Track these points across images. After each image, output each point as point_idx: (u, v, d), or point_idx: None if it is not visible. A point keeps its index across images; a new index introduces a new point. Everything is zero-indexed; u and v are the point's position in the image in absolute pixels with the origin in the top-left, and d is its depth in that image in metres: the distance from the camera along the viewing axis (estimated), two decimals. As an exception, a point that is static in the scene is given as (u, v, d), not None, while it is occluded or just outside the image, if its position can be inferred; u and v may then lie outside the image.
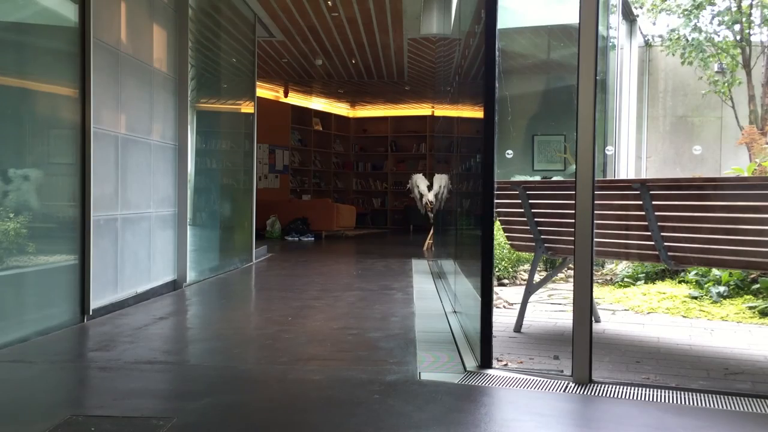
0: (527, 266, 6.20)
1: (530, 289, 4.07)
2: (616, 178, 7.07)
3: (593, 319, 2.90)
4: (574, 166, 2.89)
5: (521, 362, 3.24)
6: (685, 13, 9.23)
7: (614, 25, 7.51)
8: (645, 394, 2.68)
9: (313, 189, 14.82)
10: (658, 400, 2.62)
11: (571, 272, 3.37)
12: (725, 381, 2.97)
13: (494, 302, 3.38)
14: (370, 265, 7.55)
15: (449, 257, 5.69)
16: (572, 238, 2.91)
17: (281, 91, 13.26)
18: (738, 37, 9.25)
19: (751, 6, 9.13)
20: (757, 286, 4.69)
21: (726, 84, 9.45)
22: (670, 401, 2.60)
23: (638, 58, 7.93)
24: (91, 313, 4.11)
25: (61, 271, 3.94)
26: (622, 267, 5.95)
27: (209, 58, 6.45)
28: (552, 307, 4.80)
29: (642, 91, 7.90)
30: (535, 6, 7.91)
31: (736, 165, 6.87)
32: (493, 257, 3.07)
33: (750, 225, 3.03)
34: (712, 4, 9.18)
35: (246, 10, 7.44)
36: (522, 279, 6.04)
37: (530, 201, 3.98)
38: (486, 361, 3.03)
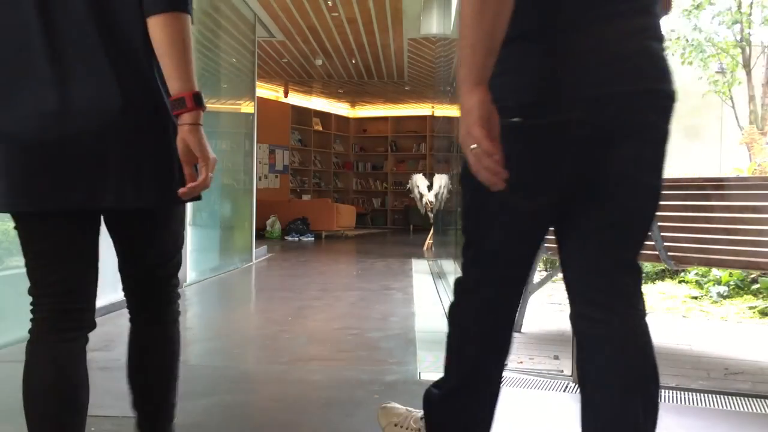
0: (527, 266, 6.18)
1: (530, 289, 4.07)
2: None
3: (593, 319, 2.90)
4: (574, 166, 2.88)
5: (521, 362, 3.23)
6: (685, 13, 9.23)
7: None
8: (645, 394, 2.68)
9: (313, 189, 14.82)
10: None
11: (571, 272, 3.37)
12: (725, 381, 2.97)
13: (494, 302, 3.37)
14: (370, 265, 7.55)
15: (449, 257, 5.69)
16: (572, 238, 2.90)
17: (281, 91, 13.25)
18: (738, 37, 9.25)
19: (751, 6, 9.13)
20: (757, 286, 4.69)
21: (726, 84, 9.45)
22: (670, 401, 2.60)
23: (638, 58, 7.92)
24: (91, 313, 4.10)
25: (61, 271, 3.93)
26: (622, 267, 5.93)
27: (209, 57, 6.45)
28: (552, 307, 4.80)
29: (642, 91, 7.89)
30: (535, 6, 7.89)
31: (736, 165, 6.86)
32: (493, 257, 3.07)
33: (750, 225, 3.03)
34: (712, 4, 9.18)
35: (246, 10, 7.44)
36: (522, 279, 6.03)
37: (530, 201, 3.97)
38: (486, 361, 3.03)
